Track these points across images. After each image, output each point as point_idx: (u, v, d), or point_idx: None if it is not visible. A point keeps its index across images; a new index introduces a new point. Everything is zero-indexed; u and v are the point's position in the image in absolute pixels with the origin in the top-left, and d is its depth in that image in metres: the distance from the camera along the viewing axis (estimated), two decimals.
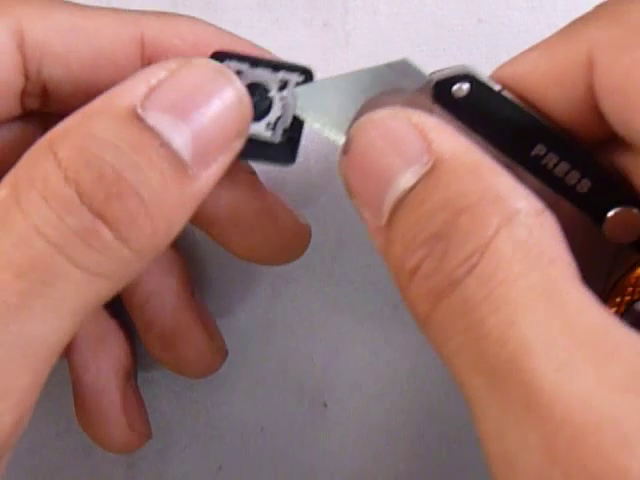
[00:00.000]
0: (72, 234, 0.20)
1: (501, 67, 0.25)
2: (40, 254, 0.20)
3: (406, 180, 0.21)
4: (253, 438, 0.33)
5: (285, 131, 0.25)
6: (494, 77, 0.24)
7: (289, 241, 0.29)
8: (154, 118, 0.21)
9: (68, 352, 0.30)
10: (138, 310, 0.30)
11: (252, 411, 0.33)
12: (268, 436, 0.33)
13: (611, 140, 0.24)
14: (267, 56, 0.26)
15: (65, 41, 0.25)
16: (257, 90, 0.25)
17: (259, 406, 0.33)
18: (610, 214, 0.24)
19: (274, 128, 0.25)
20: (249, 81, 0.25)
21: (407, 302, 0.21)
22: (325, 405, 0.33)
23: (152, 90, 0.21)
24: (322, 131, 0.25)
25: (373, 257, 0.33)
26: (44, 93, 0.26)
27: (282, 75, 0.25)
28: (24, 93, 0.26)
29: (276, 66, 0.25)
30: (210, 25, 0.26)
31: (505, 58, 0.32)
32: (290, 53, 0.32)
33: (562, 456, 0.17)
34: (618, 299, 0.25)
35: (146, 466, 0.34)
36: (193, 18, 0.26)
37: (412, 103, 0.24)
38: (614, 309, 0.25)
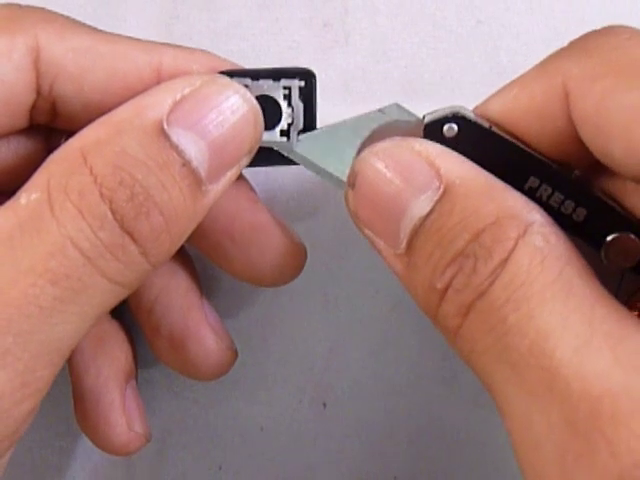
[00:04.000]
0: (103, 248, 0.22)
1: (483, 104, 0.25)
2: (74, 264, 0.22)
3: (421, 208, 0.22)
4: (253, 438, 0.33)
5: (299, 134, 0.26)
6: (478, 113, 0.25)
7: (284, 259, 0.29)
8: (178, 135, 0.23)
9: None
10: (145, 312, 0.30)
11: (252, 411, 0.33)
12: (268, 436, 0.33)
13: (598, 165, 0.24)
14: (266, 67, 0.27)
15: (80, 62, 0.25)
16: (265, 101, 0.26)
17: (259, 406, 0.33)
18: (608, 240, 0.24)
19: (288, 135, 0.26)
20: (256, 94, 0.25)
21: (437, 319, 0.23)
22: (325, 405, 0.33)
23: (177, 105, 0.23)
24: (322, 178, 0.26)
25: (373, 257, 0.33)
26: (53, 109, 0.26)
27: (284, 82, 0.26)
28: (33, 107, 0.26)
29: (277, 75, 0.26)
30: (225, 60, 0.27)
31: (504, 60, 0.32)
32: (290, 53, 0.33)
33: (582, 427, 0.19)
34: None
35: (146, 466, 0.34)
36: (208, 52, 0.27)
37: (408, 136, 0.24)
38: None
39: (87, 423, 0.30)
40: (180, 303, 0.30)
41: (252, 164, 0.26)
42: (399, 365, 0.33)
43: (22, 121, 0.26)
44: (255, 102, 0.25)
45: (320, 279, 0.33)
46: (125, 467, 0.34)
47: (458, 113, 0.24)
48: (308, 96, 0.26)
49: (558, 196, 0.24)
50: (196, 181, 0.23)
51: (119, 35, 0.26)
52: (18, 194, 0.23)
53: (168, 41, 0.33)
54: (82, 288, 0.22)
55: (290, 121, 0.26)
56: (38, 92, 0.25)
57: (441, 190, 0.22)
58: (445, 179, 0.22)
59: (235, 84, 0.24)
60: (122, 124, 0.23)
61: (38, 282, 0.21)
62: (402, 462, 0.33)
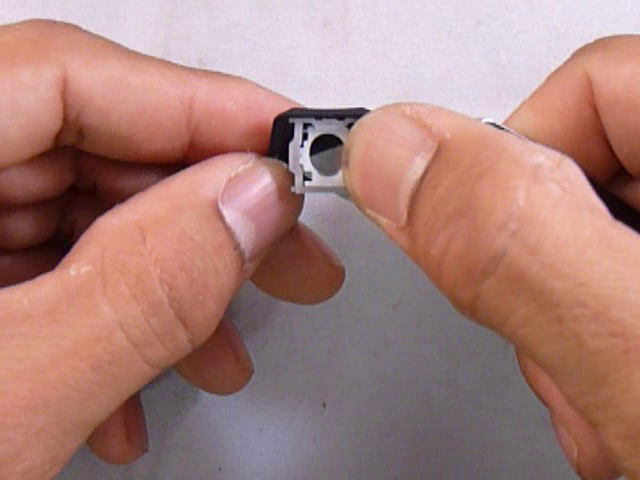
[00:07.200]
0: (153, 335, 0.21)
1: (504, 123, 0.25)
2: (119, 351, 0.21)
3: (415, 170, 0.21)
4: (252, 438, 0.33)
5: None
6: None
7: (323, 283, 0.28)
8: (231, 216, 0.22)
9: None
10: None
11: (251, 411, 0.33)
12: (267, 436, 0.33)
13: (618, 175, 0.24)
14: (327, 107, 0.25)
15: (108, 95, 0.24)
16: (329, 141, 0.24)
17: (258, 406, 0.33)
18: None
19: None
20: (318, 133, 0.24)
21: (445, 292, 0.20)
22: (324, 405, 0.33)
23: (230, 182, 0.23)
24: None
25: (373, 257, 0.33)
26: (79, 134, 0.25)
27: (348, 121, 0.24)
28: (60, 132, 0.25)
29: (340, 114, 0.24)
30: (259, 86, 0.26)
31: (504, 60, 0.32)
32: (290, 53, 0.33)
33: None
34: None
35: (145, 466, 0.33)
36: (242, 78, 0.26)
37: None
38: None
39: None
40: None
41: None
42: (399, 365, 0.33)
43: (47, 145, 0.25)
44: (303, 190, 0.24)
45: None
46: (124, 467, 0.34)
47: (486, 119, 0.23)
48: None
49: None
50: (242, 261, 0.23)
51: (151, 60, 0.25)
52: (67, 263, 0.21)
53: (167, 40, 0.33)
54: (123, 374, 0.21)
55: None
56: (65, 120, 0.24)
57: (434, 148, 0.21)
58: (437, 136, 0.21)
59: (285, 168, 0.24)
60: (179, 200, 0.22)
61: (80, 366, 0.20)
62: (402, 462, 0.33)
